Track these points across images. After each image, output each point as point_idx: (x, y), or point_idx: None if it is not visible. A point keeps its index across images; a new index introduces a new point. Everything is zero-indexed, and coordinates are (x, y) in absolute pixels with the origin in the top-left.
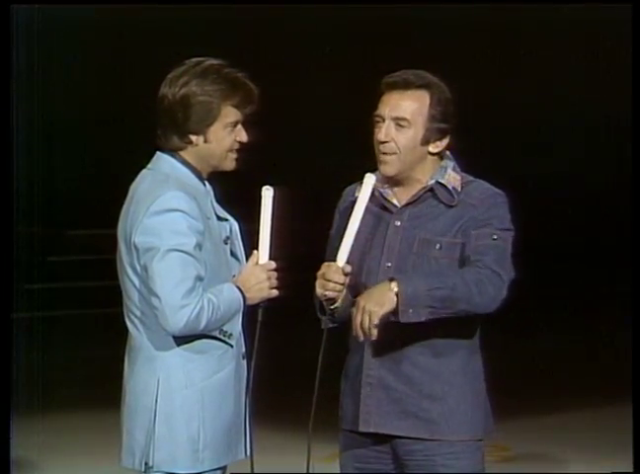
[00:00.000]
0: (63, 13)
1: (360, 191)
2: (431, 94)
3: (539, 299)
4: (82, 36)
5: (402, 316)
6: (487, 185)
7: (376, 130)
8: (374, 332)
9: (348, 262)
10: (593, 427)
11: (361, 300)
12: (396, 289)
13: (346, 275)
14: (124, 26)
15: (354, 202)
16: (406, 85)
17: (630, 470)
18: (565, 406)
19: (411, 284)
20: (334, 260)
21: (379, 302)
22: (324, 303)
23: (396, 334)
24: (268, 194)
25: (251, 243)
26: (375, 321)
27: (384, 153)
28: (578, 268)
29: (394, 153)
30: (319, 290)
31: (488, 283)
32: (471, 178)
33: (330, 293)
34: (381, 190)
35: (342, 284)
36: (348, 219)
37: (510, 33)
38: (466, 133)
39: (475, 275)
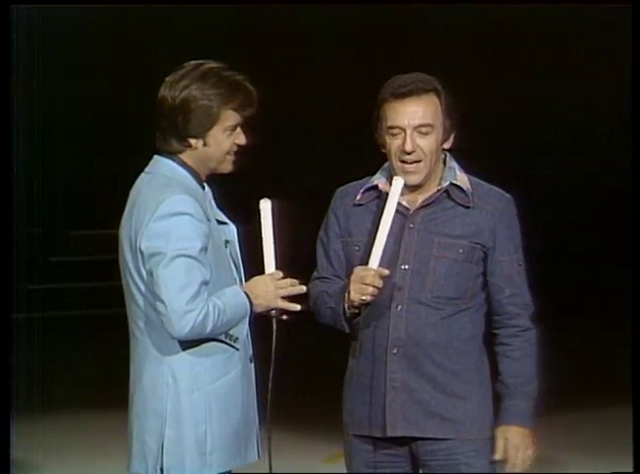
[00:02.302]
0: (63, 13)
1: (389, 191)
2: (437, 94)
3: (540, 300)
4: (82, 36)
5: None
6: (496, 188)
7: (394, 142)
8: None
9: (345, 259)
10: (593, 427)
11: (517, 451)
12: (528, 429)
13: (382, 278)
14: (125, 26)
15: (354, 205)
16: (418, 91)
17: (630, 470)
18: (565, 406)
19: (530, 416)
20: (329, 263)
21: (530, 448)
22: (347, 308)
23: (418, 337)
24: (266, 206)
25: (250, 245)
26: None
27: (409, 163)
28: (578, 268)
29: (420, 161)
30: (356, 296)
31: (535, 342)
32: (475, 178)
33: (369, 298)
34: (388, 191)
35: (379, 289)
36: (361, 222)
37: (510, 33)
38: (466, 133)
39: (530, 347)
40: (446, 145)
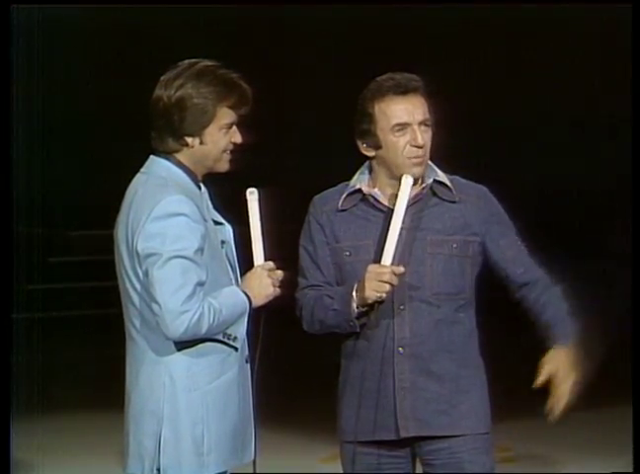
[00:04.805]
0: (63, 13)
1: (399, 190)
2: (423, 92)
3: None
4: (82, 36)
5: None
6: (470, 181)
7: (401, 138)
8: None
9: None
10: (593, 427)
11: (569, 378)
12: (570, 349)
13: (397, 275)
14: (124, 26)
15: (338, 211)
16: (414, 88)
17: (630, 470)
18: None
19: (572, 334)
20: (319, 271)
21: (577, 373)
22: (354, 308)
23: (423, 335)
24: (252, 197)
25: (245, 246)
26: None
27: (417, 157)
28: (578, 267)
29: (425, 155)
30: (372, 293)
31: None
32: (449, 175)
33: (384, 295)
34: (372, 193)
35: (393, 285)
36: (347, 227)
37: (509, 33)
38: (466, 133)
39: (559, 295)
40: None
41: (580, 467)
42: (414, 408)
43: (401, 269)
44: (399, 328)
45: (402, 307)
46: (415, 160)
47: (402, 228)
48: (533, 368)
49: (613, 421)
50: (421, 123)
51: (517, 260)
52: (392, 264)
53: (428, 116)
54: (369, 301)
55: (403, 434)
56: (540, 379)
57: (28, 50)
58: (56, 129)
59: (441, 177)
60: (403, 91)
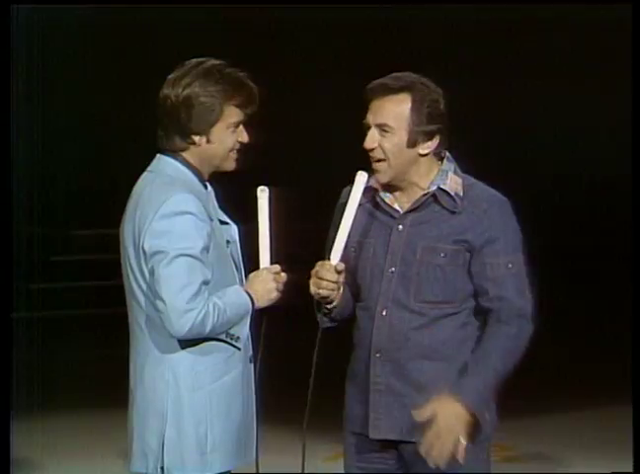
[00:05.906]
0: (63, 13)
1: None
2: (412, 96)
3: (540, 299)
4: (82, 36)
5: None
6: (490, 190)
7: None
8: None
9: (341, 260)
10: (593, 427)
11: (442, 430)
12: (464, 408)
13: (339, 273)
14: (124, 26)
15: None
16: (385, 90)
17: (630, 470)
18: (567, 406)
19: (476, 396)
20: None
21: (461, 430)
22: (321, 302)
23: (400, 342)
24: (263, 195)
25: (250, 244)
26: (462, 448)
27: (374, 160)
28: (578, 267)
29: (382, 160)
30: (313, 289)
31: (520, 338)
32: (473, 180)
33: (323, 292)
34: (382, 194)
35: (335, 283)
36: (358, 222)
37: (509, 33)
38: (466, 134)
39: (511, 340)
40: (422, 151)
41: (581, 467)
42: (388, 412)
43: (341, 266)
44: (378, 332)
45: (385, 312)
46: (372, 163)
47: (400, 231)
48: (535, 368)
49: (614, 421)
50: (377, 126)
51: (496, 283)
52: (376, 264)
53: (387, 121)
54: (316, 298)
55: (373, 435)
56: (424, 414)
57: (28, 50)
58: (56, 129)
59: (448, 185)
60: (372, 90)
